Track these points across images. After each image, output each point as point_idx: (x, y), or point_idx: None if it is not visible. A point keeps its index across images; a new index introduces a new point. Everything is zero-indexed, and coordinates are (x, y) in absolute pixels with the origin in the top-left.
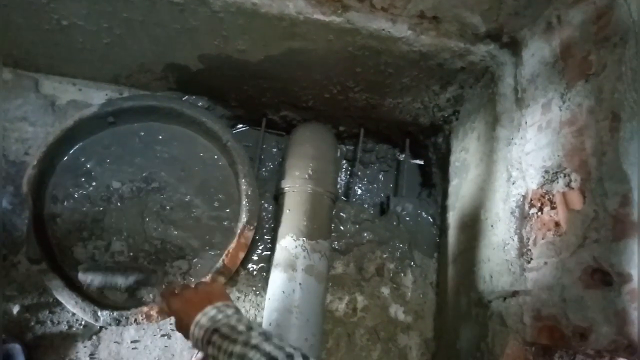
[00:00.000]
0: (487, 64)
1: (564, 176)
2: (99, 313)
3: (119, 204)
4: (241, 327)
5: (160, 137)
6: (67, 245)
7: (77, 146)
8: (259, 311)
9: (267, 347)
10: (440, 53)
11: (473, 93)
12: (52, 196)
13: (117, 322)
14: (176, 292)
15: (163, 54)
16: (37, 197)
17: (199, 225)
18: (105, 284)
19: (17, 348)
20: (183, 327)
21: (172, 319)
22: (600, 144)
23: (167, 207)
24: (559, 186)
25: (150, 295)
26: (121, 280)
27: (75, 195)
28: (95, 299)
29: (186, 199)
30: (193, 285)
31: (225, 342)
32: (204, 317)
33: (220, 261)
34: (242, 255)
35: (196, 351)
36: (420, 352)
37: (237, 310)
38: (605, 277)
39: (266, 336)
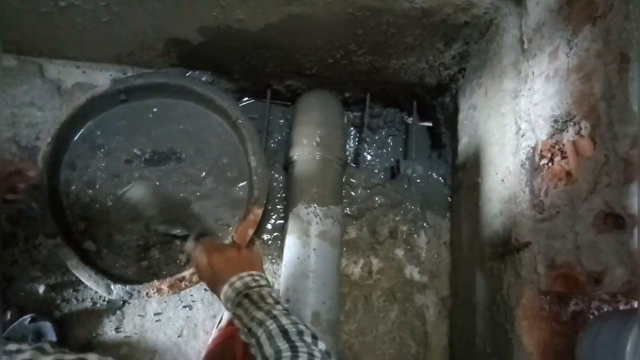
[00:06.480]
0: (491, 17)
1: (574, 124)
2: (112, 286)
3: (138, 173)
4: (269, 300)
5: (173, 112)
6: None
7: (89, 123)
8: (275, 279)
9: (284, 321)
10: (443, 8)
11: (478, 48)
12: (68, 167)
13: (130, 295)
14: (218, 248)
15: (163, 29)
16: (52, 175)
17: (213, 199)
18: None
19: (47, 325)
20: (215, 283)
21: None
22: (609, 87)
23: (183, 180)
24: (569, 135)
25: (186, 243)
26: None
27: (91, 168)
28: (109, 272)
29: (202, 173)
30: (234, 245)
31: (252, 307)
32: (240, 280)
33: (230, 237)
34: (251, 232)
35: (217, 321)
36: (437, 310)
37: (269, 284)
38: (617, 221)
39: (287, 312)
